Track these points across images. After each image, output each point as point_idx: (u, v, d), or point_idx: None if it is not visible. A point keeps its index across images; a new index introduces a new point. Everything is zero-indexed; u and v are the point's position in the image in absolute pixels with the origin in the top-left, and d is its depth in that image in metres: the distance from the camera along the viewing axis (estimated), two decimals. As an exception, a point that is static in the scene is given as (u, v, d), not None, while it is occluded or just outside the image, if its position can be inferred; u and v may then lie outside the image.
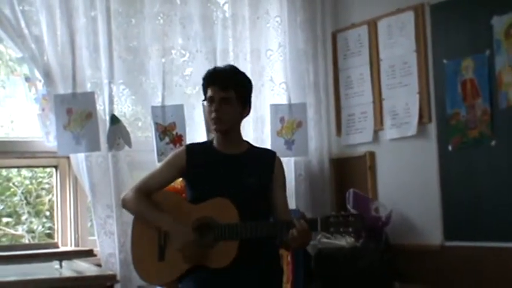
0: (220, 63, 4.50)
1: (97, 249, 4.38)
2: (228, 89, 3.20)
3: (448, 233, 4.40)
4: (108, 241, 4.39)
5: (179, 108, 4.63)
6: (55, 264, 3.96)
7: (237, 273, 3.11)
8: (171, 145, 4.56)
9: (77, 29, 4.41)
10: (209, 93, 3.23)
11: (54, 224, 4.66)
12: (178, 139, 4.59)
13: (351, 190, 4.68)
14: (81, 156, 4.38)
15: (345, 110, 5.10)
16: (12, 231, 4.85)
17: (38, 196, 4.95)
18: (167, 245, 3.19)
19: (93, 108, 4.37)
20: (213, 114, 3.21)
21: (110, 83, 4.45)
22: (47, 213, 4.89)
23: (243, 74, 3.33)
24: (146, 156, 4.53)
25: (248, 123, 4.77)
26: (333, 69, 5.17)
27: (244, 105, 3.27)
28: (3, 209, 4.86)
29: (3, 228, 4.82)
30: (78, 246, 4.51)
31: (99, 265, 4.29)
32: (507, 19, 4.08)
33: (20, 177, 4.94)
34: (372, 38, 4.90)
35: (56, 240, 4.58)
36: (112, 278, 3.82)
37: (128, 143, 4.45)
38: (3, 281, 3.52)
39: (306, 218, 3.23)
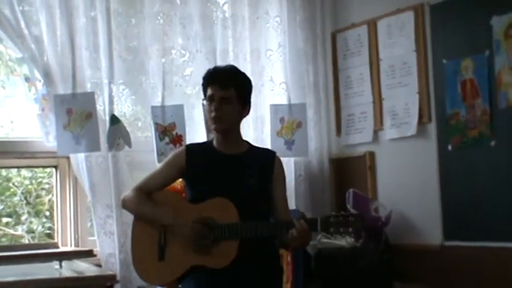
0: (220, 63, 4.50)
1: (97, 250, 4.38)
2: (228, 88, 3.20)
3: (448, 233, 4.40)
4: (108, 241, 4.39)
5: (179, 108, 4.63)
6: (55, 264, 3.96)
7: (237, 273, 3.11)
8: (171, 145, 4.56)
9: (77, 29, 4.41)
10: (209, 92, 3.23)
11: (54, 224, 4.66)
12: (178, 139, 4.59)
13: (351, 190, 4.68)
14: (81, 156, 4.38)
15: (344, 110, 5.10)
16: (12, 231, 4.85)
17: (38, 196, 4.94)
18: (167, 244, 3.19)
19: (93, 108, 4.37)
20: (213, 114, 3.21)
21: (109, 83, 4.45)
22: (47, 213, 4.89)
23: (243, 74, 3.34)
24: (146, 157, 4.54)
25: (248, 124, 4.77)
26: (332, 69, 5.18)
27: (244, 105, 3.27)
28: (3, 209, 4.86)
29: (3, 228, 4.82)
30: (78, 246, 4.51)
31: (99, 265, 4.29)
32: (506, 19, 4.08)
33: (19, 177, 4.94)
34: (371, 38, 4.90)
35: (55, 241, 4.58)
36: (112, 278, 3.82)
37: (128, 143, 4.45)
38: (3, 281, 3.52)
39: (306, 218, 3.23)
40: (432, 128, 4.51)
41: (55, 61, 4.34)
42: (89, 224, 4.59)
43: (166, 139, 4.57)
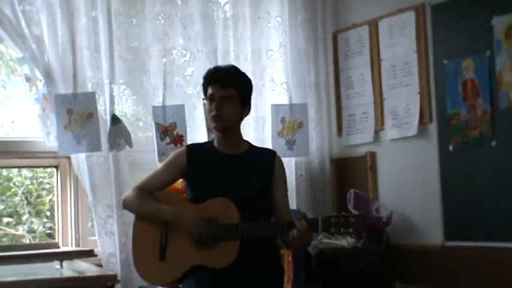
0: (221, 63, 4.50)
1: (98, 249, 4.39)
2: (229, 88, 3.20)
3: (449, 233, 4.40)
4: (108, 241, 4.40)
5: (180, 109, 4.63)
6: (56, 264, 3.96)
7: (237, 273, 3.11)
8: (172, 145, 4.56)
9: (78, 29, 4.41)
10: (209, 91, 3.23)
11: (54, 224, 4.66)
12: (179, 139, 4.59)
13: (352, 190, 4.68)
14: (82, 156, 4.38)
15: (345, 110, 5.10)
16: (12, 231, 4.85)
17: (39, 196, 4.94)
18: (168, 244, 3.19)
19: (94, 108, 4.37)
20: (213, 112, 3.21)
21: (110, 83, 4.45)
22: (48, 213, 4.88)
23: (243, 74, 3.34)
24: (147, 157, 4.54)
25: (249, 124, 4.78)
26: (333, 70, 5.18)
27: (244, 105, 3.27)
28: (4, 209, 4.86)
29: (4, 228, 4.82)
30: (78, 246, 4.51)
31: (99, 265, 4.30)
32: (507, 19, 4.08)
33: (20, 177, 4.94)
34: (372, 38, 4.90)
35: (56, 241, 4.58)
36: (113, 278, 3.81)
37: (129, 143, 4.45)
38: (3, 281, 3.52)
39: (307, 219, 3.23)
40: (433, 128, 4.51)
41: (56, 61, 4.34)
42: (89, 224, 4.59)
43: (167, 139, 4.58)
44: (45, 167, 4.80)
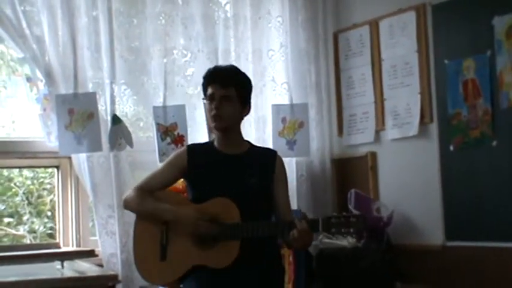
0: (222, 63, 4.49)
1: (98, 250, 4.38)
2: (229, 87, 3.20)
3: (450, 233, 4.40)
4: (109, 241, 4.40)
5: (181, 109, 4.63)
6: (56, 264, 3.96)
7: (238, 273, 3.11)
8: (173, 145, 4.56)
9: (79, 29, 4.41)
10: (209, 91, 3.24)
11: (55, 224, 4.66)
12: (179, 139, 4.59)
13: (353, 190, 4.67)
14: (83, 156, 4.38)
15: (346, 110, 5.10)
16: (13, 231, 4.85)
17: (40, 196, 4.94)
18: (169, 244, 3.19)
19: (95, 108, 4.37)
20: (213, 112, 3.21)
21: (111, 83, 4.45)
22: (49, 213, 4.89)
23: (243, 74, 3.34)
24: (148, 157, 4.54)
25: (250, 124, 4.78)
26: (334, 70, 5.17)
27: (244, 105, 3.27)
28: (4, 209, 4.86)
29: (5, 228, 4.82)
30: (79, 246, 4.51)
31: (100, 265, 4.29)
32: (508, 19, 4.08)
33: (21, 177, 4.94)
34: (373, 38, 4.89)
35: (57, 241, 4.58)
36: (114, 278, 3.81)
37: (130, 143, 4.45)
38: (4, 281, 3.52)
39: (307, 219, 3.23)
40: (434, 128, 4.51)
41: (57, 61, 4.34)
42: (90, 224, 4.60)
43: (168, 139, 4.58)
44: (46, 167, 4.80)
